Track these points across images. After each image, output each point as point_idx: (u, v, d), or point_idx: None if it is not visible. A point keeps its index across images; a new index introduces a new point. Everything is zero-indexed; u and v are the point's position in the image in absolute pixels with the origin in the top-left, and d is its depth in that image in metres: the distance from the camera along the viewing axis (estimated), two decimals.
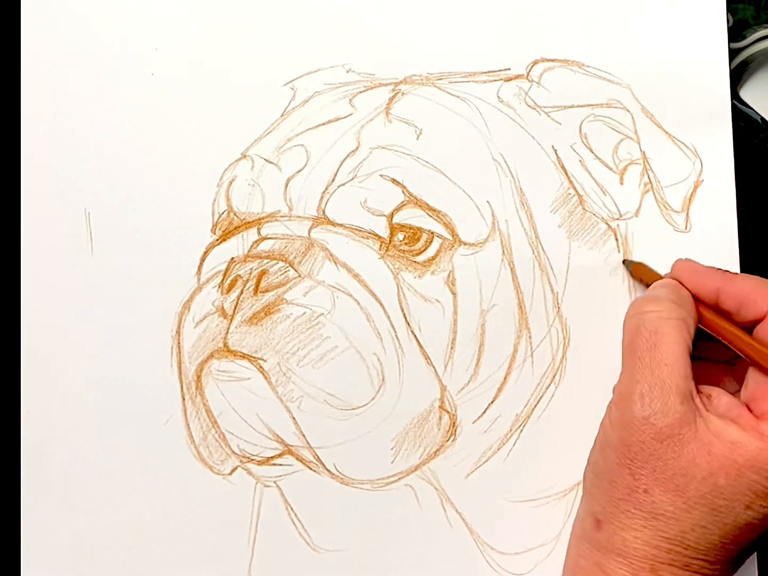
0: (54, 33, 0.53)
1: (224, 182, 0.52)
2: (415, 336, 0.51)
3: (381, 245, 0.52)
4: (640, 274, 0.51)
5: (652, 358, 0.44)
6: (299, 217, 0.52)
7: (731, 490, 0.42)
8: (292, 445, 0.51)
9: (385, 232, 0.52)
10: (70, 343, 0.52)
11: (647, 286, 0.50)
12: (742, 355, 0.46)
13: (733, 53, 0.54)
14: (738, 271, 0.52)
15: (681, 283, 0.48)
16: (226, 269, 0.52)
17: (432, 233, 0.52)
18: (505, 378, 0.52)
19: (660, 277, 0.50)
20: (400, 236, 0.52)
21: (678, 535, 0.43)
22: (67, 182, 0.52)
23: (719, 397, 0.45)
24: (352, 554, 0.51)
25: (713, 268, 0.48)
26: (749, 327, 0.46)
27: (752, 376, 0.46)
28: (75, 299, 0.52)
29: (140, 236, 0.52)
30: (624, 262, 0.52)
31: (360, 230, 0.52)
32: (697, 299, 0.48)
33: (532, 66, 0.53)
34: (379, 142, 0.52)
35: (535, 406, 0.52)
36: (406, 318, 0.51)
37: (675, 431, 0.43)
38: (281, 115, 0.53)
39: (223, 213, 0.52)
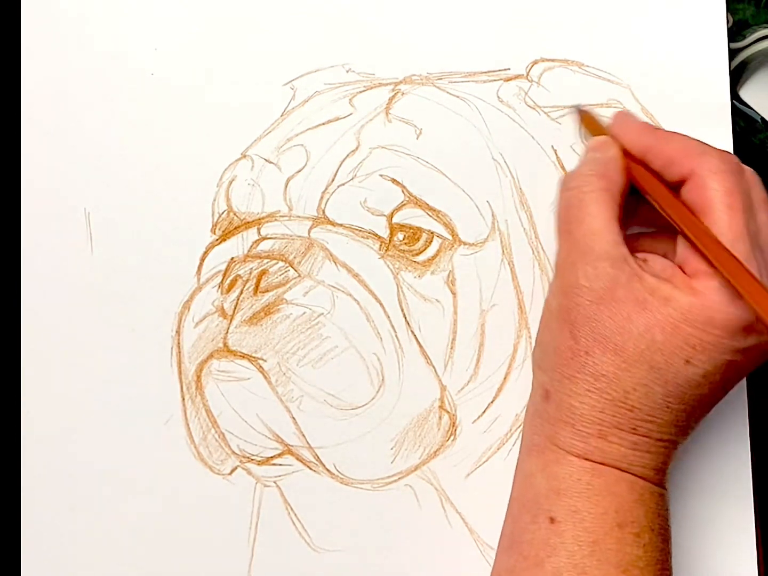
0: (54, 33, 0.53)
1: (224, 182, 0.52)
2: (414, 336, 0.51)
3: (381, 245, 0.52)
4: (587, 124, 0.51)
5: (580, 231, 0.45)
6: (299, 217, 0.52)
7: (668, 344, 0.42)
8: (291, 445, 0.51)
9: (384, 232, 0.52)
10: (70, 343, 0.52)
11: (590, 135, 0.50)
12: (664, 214, 0.45)
13: (733, 53, 0.54)
14: None
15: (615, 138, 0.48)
16: (226, 269, 0.52)
17: (432, 233, 0.52)
18: (505, 378, 0.52)
19: (602, 132, 0.49)
20: (400, 236, 0.52)
21: (621, 396, 0.43)
22: (66, 182, 0.53)
23: (654, 260, 0.45)
24: (352, 554, 0.51)
25: (648, 125, 0.48)
26: (675, 187, 0.46)
27: (682, 239, 0.45)
28: (75, 299, 0.52)
29: (140, 236, 0.52)
30: (576, 108, 0.52)
31: (360, 230, 0.52)
32: (631, 156, 0.47)
33: (532, 66, 0.53)
34: (379, 141, 0.52)
35: None
36: (405, 318, 0.51)
37: (609, 293, 0.43)
38: (281, 115, 0.53)
39: (222, 213, 0.52)
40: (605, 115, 0.51)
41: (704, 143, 0.46)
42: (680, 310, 0.42)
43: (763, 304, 0.41)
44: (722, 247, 0.42)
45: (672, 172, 0.45)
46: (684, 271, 0.44)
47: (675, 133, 0.48)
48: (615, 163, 0.47)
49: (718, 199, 0.43)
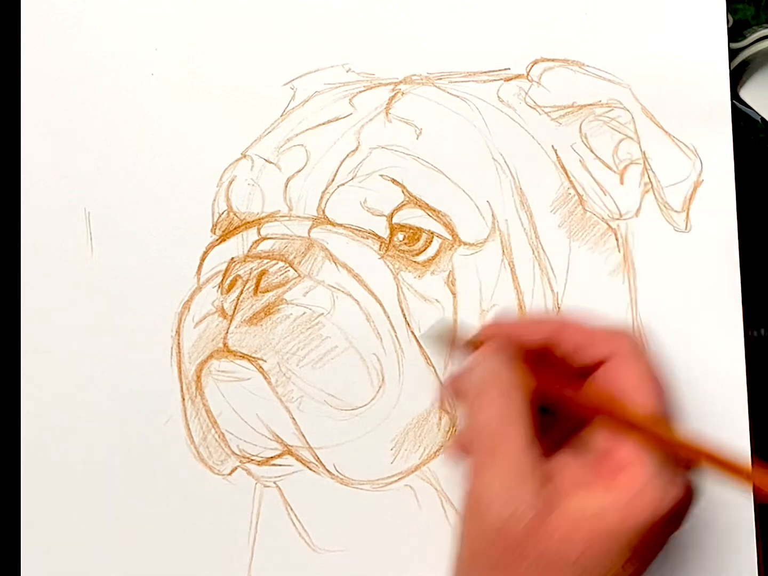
0: (54, 33, 0.53)
1: (224, 182, 0.52)
2: (414, 336, 0.51)
3: (381, 245, 0.52)
4: (453, 341, 0.50)
5: (493, 464, 0.41)
6: (299, 217, 0.52)
7: (606, 558, 0.40)
8: (291, 446, 0.51)
9: (384, 232, 0.52)
10: (70, 343, 0.52)
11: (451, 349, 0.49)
12: (575, 410, 0.44)
13: (733, 53, 0.54)
14: (738, 272, 0.52)
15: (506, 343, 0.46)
16: (226, 269, 0.52)
17: (432, 233, 0.52)
18: None
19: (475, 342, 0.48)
20: (400, 236, 0.52)
21: None
22: (66, 182, 0.53)
23: (564, 470, 0.42)
24: (352, 554, 0.51)
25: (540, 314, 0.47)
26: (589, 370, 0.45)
27: (598, 431, 0.43)
28: (75, 299, 0.52)
29: (140, 236, 0.52)
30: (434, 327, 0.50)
31: (360, 230, 0.52)
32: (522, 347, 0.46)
33: (532, 66, 0.53)
34: (379, 141, 0.52)
35: None
36: (406, 318, 0.51)
37: (532, 530, 0.40)
38: (281, 115, 0.53)
39: (222, 213, 0.52)
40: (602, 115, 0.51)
41: (608, 327, 0.46)
42: (611, 523, 0.39)
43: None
44: (656, 425, 0.41)
45: (582, 357, 0.44)
46: (601, 465, 0.42)
47: (568, 320, 0.47)
48: (512, 377, 0.44)
49: (641, 380, 0.42)
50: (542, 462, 0.41)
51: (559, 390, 0.44)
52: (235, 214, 0.52)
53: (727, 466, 0.40)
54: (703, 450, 0.41)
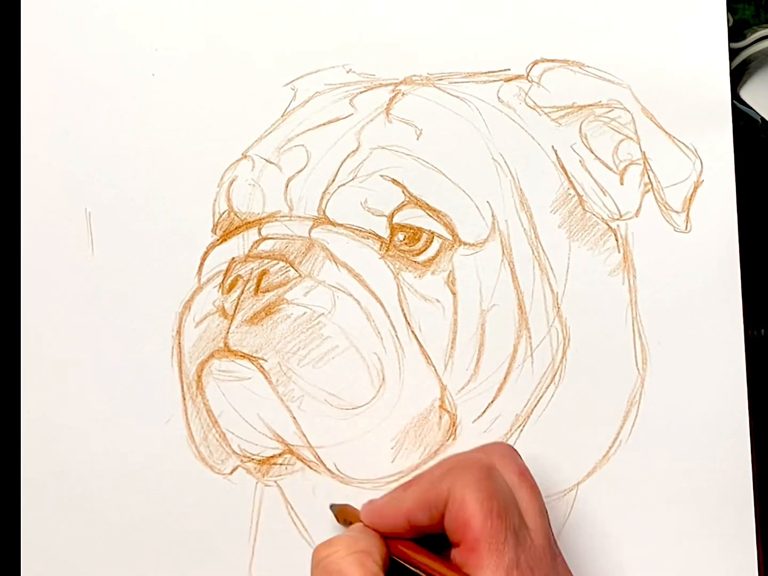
0: (54, 33, 0.53)
1: (225, 182, 0.52)
2: (415, 336, 0.51)
3: (381, 245, 0.52)
4: (344, 515, 0.50)
5: None
6: (300, 217, 0.52)
7: None
8: (292, 445, 0.51)
9: (385, 232, 0.52)
10: (71, 343, 0.52)
11: (348, 524, 0.49)
12: None
13: (733, 53, 0.54)
14: (738, 272, 0.52)
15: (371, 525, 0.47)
16: (227, 269, 0.52)
17: (432, 233, 0.52)
18: (505, 378, 0.52)
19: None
20: (401, 236, 0.52)
21: None
22: (67, 182, 0.53)
23: None
24: None
25: (387, 496, 0.47)
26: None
27: None
28: (75, 299, 0.52)
29: (141, 236, 0.52)
30: (331, 506, 0.51)
31: (360, 230, 0.52)
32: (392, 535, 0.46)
33: (532, 66, 0.53)
34: (380, 142, 0.52)
35: (535, 406, 0.52)
36: (406, 318, 0.51)
37: None
38: (282, 116, 0.53)
39: (223, 213, 0.52)
40: None
41: (444, 465, 0.46)
42: None
43: None
44: None
45: (436, 507, 0.44)
46: None
47: (414, 479, 0.47)
48: (369, 533, 0.46)
49: (477, 509, 0.42)
50: None
51: (415, 560, 0.45)
52: (235, 214, 0.52)
53: None
54: None
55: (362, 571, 0.43)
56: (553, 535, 0.45)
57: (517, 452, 0.47)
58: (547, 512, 0.45)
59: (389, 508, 0.47)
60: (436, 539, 0.46)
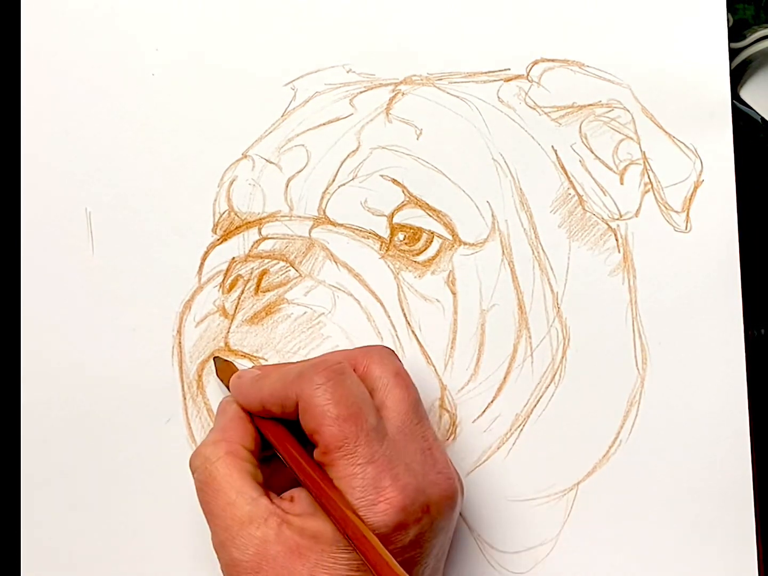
0: (54, 33, 0.53)
1: (225, 182, 0.52)
2: (415, 335, 0.51)
3: (381, 245, 0.52)
4: (222, 374, 0.50)
5: (218, 507, 0.44)
6: (300, 217, 0.52)
7: None
8: None
9: (385, 232, 0.52)
10: (71, 342, 0.52)
11: (227, 387, 0.49)
12: (289, 467, 0.45)
13: (733, 53, 0.54)
14: (738, 272, 0.52)
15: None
16: (227, 269, 0.52)
17: (432, 233, 0.52)
18: (504, 378, 0.52)
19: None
20: (401, 236, 0.52)
21: None
22: (67, 182, 0.52)
23: (300, 495, 0.44)
24: None
25: (254, 377, 0.48)
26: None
27: None
28: (75, 299, 0.52)
29: (141, 236, 0.52)
30: (214, 358, 0.51)
31: (360, 230, 0.52)
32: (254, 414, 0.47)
33: (532, 66, 0.53)
34: (380, 142, 0.52)
35: (535, 405, 0.52)
36: (406, 317, 0.51)
37: (263, 556, 0.42)
38: (282, 116, 0.53)
39: (224, 213, 0.52)
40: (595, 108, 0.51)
41: (302, 364, 0.47)
42: (329, 541, 0.42)
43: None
44: (334, 503, 0.42)
45: (287, 406, 0.45)
46: None
47: (275, 369, 0.48)
48: (234, 420, 0.47)
49: (324, 415, 0.43)
50: (261, 501, 0.44)
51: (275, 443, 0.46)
52: (236, 214, 0.52)
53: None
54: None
55: (231, 472, 0.44)
56: (428, 431, 0.46)
57: (394, 353, 0.48)
58: (418, 408, 0.46)
59: (251, 389, 0.47)
60: None
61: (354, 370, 0.46)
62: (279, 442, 0.45)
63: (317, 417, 0.43)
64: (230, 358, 0.51)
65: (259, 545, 0.43)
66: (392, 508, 0.42)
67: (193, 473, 0.46)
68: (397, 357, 0.48)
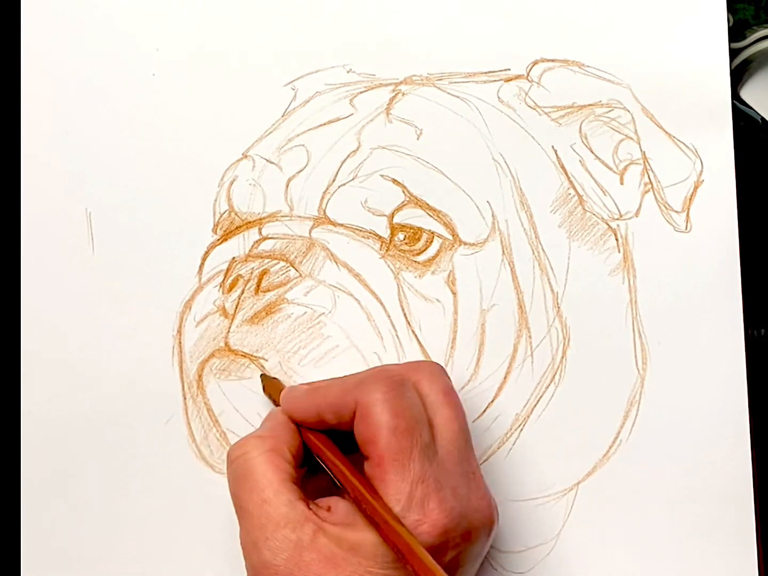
0: (55, 33, 0.53)
1: (225, 182, 0.52)
2: (415, 335, 0.51)
3: (381, 245, 0.52)
4: (270, 390, 0.50)
5: (253, 503, 0.43)
6: (300, 217, 0.52)
7: None
8: None
9: (385, 232, 0.52)
10: (71, 342, 0.52)
11: (274, 403, 0.49)
12: (335, 480, 0.45)
13: (733, 53, 0.54)
14: (738, 272, 0.52)
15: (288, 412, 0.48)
16: (228, 269, 0.52)
17: (432, 233, 0.52)
18: (505, 377, 0.52)
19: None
20: (401, 236, 0.52)
21: None
22: (68, 182, 0.52)
23: (337, 504, 0.44)
24: None
25: (310, 388, 0.47)
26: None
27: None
28: (75, 299, 0.52)
29: (141, 236, 0.52)
30: (261, 376, 0.51)
31: (361, 230, 0.52)
32: (305, 425, 0.47)
33: (532, 66, 0.53)
34: (380, 142, 0.52)
35: (535, 405, 0.52)
36: (406, 317, 0.51)
37: (296, 561, 0.42)
38: (282, 116, 0.53)
39: (224, 213, 0.52)
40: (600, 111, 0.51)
41: (363, 374, 0.46)
42: (367, 555, 0.42)
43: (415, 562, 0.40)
44: (383, 517, 0.42)
45: (344, 415, 0.45)
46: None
47: (335, 379, 0.48)
48: (282, 425, 0.46)
49: (381, 425, 0.43)
50: (298, 505, 0.43)
51: (321, 454, 0.46)
52: (236, 214, 0.52)
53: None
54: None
55: (271, 470, 0.44)
56: (472, 455, 0.46)
57: (444, 371, 0.47)
58: (467, 431, 0.46)
59: (305, 400, 0.47)
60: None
61: None
62: (327, 450, 0.45)
63: (374, 426, 0.43)
64: (230, 358, 0.51)
65: (294, 549, 0.42)
66: (436, 530, 0.42)
67: (229, 465, 0.45)
68: (447, 375, 0.47)
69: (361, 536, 0.42)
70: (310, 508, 0.43)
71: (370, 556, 0.42)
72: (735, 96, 0.55)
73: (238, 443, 0.46)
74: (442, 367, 0.48)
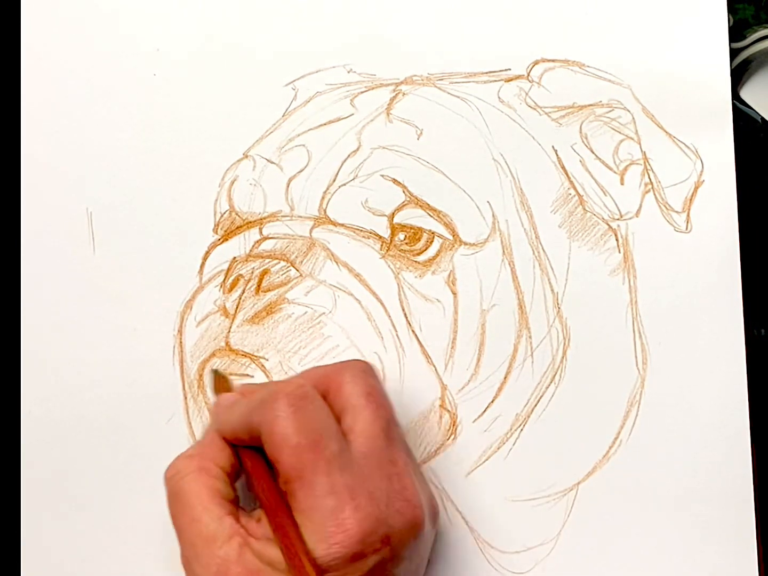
0: (54, 33, 0.53)
1: (226, 182, 0.52)
2: (415, 335, 0.51)
3: (382, 245, 0.52)
4: (219, 389, 0.50)
5: (184, 523, 0.44)
6: (301, 217, 0.52)
7: None
8: None
9: (386, 232, 0.52)
10: (71, 342, 0.52)
11: None
12: (258, 496, 0.45)
13: (733, 53, 0.55)
14: (738, 272, 0.52)
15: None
16: (228, 268, 0.52)
17: (432, 233, 0.52)
18: (505, 377, 0.52)
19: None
20: (401, 236, 0.52)
21: None
22: (68, 182, 0.53)
23: (265, 518, 0.44)
24: None
25: (233, 398, 0.48)
26: None
27: None
28: (76, 299, 0.52)
29: (142, 236, 0.52)
30: (213, 371, 0.51)
31: (361, 230, 0.52)
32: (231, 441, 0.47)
33: (533, 66, 0.53)
34: (380, 142, 0.52)
35: (535, 405, 0.52)
36: (406, 317, 0.51)
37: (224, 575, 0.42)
38: (282, 116, 0.53)
39: (224, 213, 0.52)
40: None
41: (271, 387, 0.46)
42: (283, 570, 0.42)
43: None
44: (288, 541, 0.42)
45: (254, 433, 0.44)
46: None
47: (253, 389, 0.48)
48: (211, 441, 0.46)
49: (283, 445, 0.43)
50: (226, 521, 0.43)
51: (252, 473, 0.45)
52: (237, 214, 0.52)
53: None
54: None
55: (199, 488, 0.44)
56: (398, 455, 0.45)
57: (370, 369, 0.47)
58: (390, 431, 0.45)
59: (224, 416, 0.47)
60: None
61: (327, 389, 0.45)
62: (251, 468, 0.45)
63: (277, 446, 0.43)
64: (231, 358, 0.51)
65: (221, 564, 0.42)
66: (349, 539, 0.41)
67: (165, 485, 0.46)
68: (373, 373, 0.47)
69: (277, 552, 0.42)
70: (239, 522, 0.44)
71: (286, 571, 0.42)
72: (735, 96, 0.55)
73: (170, 464, 0.46)
74: (367, 364, 0.47)
